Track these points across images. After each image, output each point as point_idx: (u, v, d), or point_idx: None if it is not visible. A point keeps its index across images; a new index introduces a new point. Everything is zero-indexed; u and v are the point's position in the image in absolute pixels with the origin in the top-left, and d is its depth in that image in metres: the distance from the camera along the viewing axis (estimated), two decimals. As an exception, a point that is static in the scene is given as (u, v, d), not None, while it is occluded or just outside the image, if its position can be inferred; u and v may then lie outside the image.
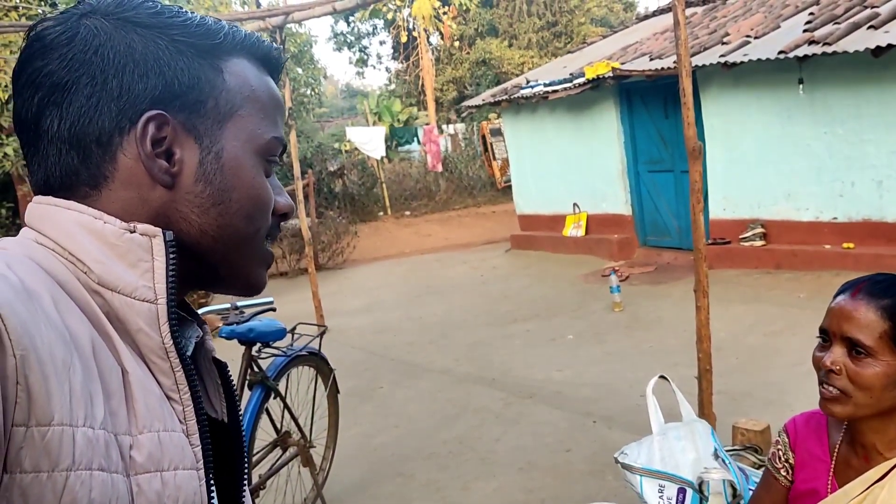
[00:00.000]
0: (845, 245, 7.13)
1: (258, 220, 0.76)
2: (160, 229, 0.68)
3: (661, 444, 2.13)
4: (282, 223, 0.82)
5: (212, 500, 0.70)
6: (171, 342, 0.67)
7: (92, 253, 0.66)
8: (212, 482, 0.70)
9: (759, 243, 7.83)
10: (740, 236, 7.98)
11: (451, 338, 6.94)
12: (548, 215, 10.85)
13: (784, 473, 1.62)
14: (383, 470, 4.24)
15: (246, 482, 0.85)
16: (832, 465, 1.54)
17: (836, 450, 1.54)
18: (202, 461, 0.68)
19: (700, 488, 1.90)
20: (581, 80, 9.07)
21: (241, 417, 0.84)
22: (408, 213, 16.97)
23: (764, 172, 7.81)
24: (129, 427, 0.61)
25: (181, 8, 0.74)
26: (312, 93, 19.30)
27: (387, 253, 12.89)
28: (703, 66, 7.65)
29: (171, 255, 0.68)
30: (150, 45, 0.69)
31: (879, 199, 6.89)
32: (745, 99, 7.82)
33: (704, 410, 3.78)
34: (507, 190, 14.25)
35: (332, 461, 3.99)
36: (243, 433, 0.84)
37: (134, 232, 0.67)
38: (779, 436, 1.66)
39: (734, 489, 1.89)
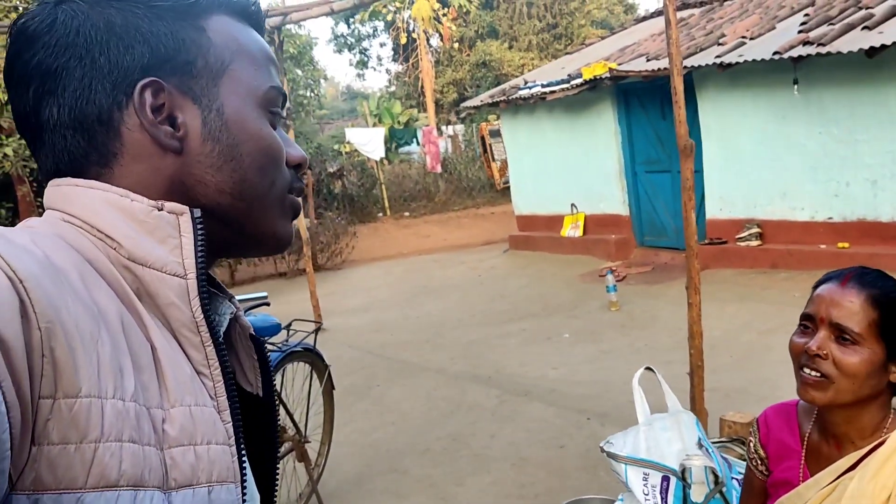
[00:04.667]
0: (840, 245, 7.16)
1: (271, 170, 0.75)
2: (187, 207, 0.69)
3: (647, 435, 2.16)
4: (302, 174, 0.81)
5: (244, 475, 0.69)
6: (202, 316, 0.67)
7: (121, 229, 0.66)
8: (244, 457, 0.70)
9: (755, 243, 7.86)
10: (737, 236, 8.01)
11: (447, 337, 6.98)
12: (546, 216, 10.89)
13: (756, 465, 1.65)
14: (378, 465, 4.27)
15: (278, 456, 0.86)
16: (803, 454, 1.56)
17: (807, 439, 1.56)
18: (233, 437, 0.68)
19: (683, 475, 1.93)
20: (578, 80, 9.11)
21: (274, 392, 0.85)
22: (407, 213, 17.00)
23: (760, 172, 7.85)
24: (160, 401, 0.61)
25: None
26: (312, 94, 19.32)
27: (385, 253, 12.92)
28: (699, 66, 7.69)
29: (200, 232, 0.68)
30: (129, 15, 0.69)
31: (874, 199, 6.92)
32: (741, 99, 7.86)
33: (696, 406, 3.80)
34: (506, 191, 14.28)
35: (327, 457, 4.01)
36: (276, 407, 0.85)
37: (161, 210, 0.67)
38: (751, 429, 1.68)
39: (716, 476, 1.92)
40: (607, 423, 4.45)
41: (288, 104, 7.62)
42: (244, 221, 0.75)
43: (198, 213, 0.69)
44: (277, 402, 3.56)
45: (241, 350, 0.81)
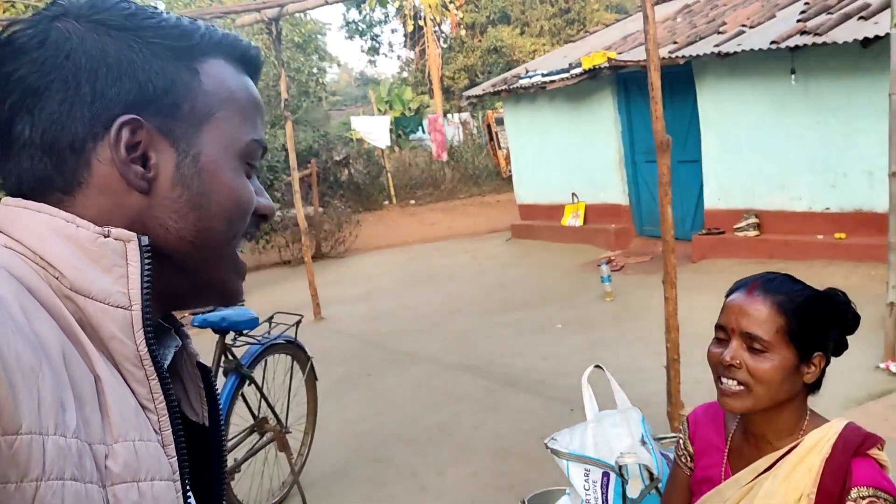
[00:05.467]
0: (837, 235, 7.15)
1: (238, 222, 0.74)
2: (135, 234, 0.66)
3: (596, 431, 2.22)
4: (261, 224, 0.80)
5: None
6: (147, 350, 0.64)
7: (64, 257, 0.63)
8: (188, 494, 0.69)
9: (752, 233, 7.85)
10: (734, 226, 8.00)
11: (443, 326, 7.04)
12: (547, 205, 10.91)
13: (684, 461, 1.69)
14: (362, 455, 4.35)
15: (225, 484, 0.85)
16: (726, 453, 1.60)
17: (731, 438, 1.61)
18: (178, 472, 0.66)
19: (620, 472, 1.98)
20: (578, 70, 9.10)
21: (221, 421, 0.83)
22: (413, 201, 17.06)
23: (758, 162, 7.83)
24: (103, 436, 0.59)
25: (156, 8, 0.73)
26: (317, 82, 19.33)
27: (389, 242, 12.99)
28: (699, 55, 7.66)
29: (147, 261, 0.66)
30: (124, 48, 0.67)
31: (870, 190, 6.89)
32: (740, 88, 7.83)
33: (673, 399, 3.85)
34: (512, 179, 14.31)
35: (310, 447, 4.10)
36: (223, 437, 0.83)
37: (108, 237, 0.65)
38: (682, 426, 1.73)
39: (651, 473, 1.97)
40: (590, 414, 4.50)
41: (286, 95, 7.67)
42: (199, 271, 0.74)
43: (145, 240, 0.67)
44: (260, 398, 3.66)
45: (186, 378, 0.79)
